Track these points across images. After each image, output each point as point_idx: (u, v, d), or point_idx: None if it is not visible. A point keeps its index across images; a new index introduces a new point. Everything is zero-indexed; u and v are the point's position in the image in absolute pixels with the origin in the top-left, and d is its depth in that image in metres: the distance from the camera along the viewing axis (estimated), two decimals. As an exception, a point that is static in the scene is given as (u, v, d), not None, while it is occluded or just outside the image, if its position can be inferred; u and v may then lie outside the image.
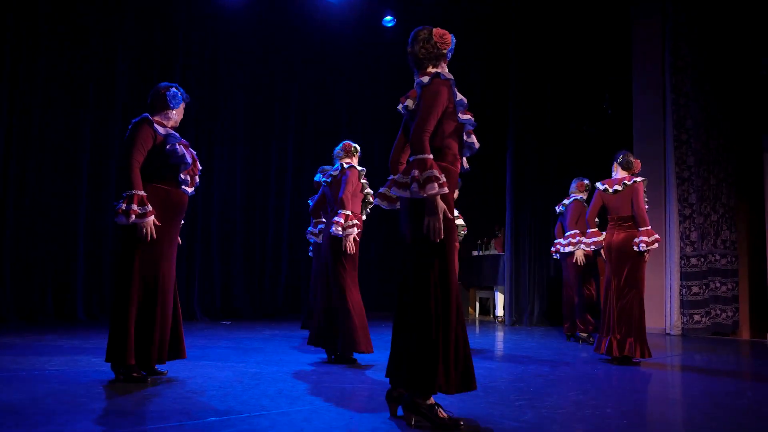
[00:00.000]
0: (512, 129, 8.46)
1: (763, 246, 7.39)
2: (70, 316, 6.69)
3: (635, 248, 4.57)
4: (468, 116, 2.73)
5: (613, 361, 4.64)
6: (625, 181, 4.71)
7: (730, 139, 7.99)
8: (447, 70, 2.78)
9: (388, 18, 8.67)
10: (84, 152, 6.95)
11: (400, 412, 2.70)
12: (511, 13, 8.50)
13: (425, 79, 2.69)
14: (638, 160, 4.88)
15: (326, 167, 5.31)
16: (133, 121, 3.44)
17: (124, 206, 3.25)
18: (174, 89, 3.55)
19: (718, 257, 7.71)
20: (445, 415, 2.53)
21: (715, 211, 7.78)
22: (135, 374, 3.29)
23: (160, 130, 3.42)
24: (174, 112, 3.55)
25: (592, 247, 5.22)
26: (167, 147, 3.40)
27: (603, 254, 4.93)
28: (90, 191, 6.99)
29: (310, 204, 5.46)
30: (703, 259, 7.58)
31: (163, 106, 3.51)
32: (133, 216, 3.24)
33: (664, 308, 7.58)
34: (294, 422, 2.58)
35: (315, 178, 5.67)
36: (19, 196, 6.53)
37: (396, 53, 9.18)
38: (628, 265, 4.63)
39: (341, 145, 4.64)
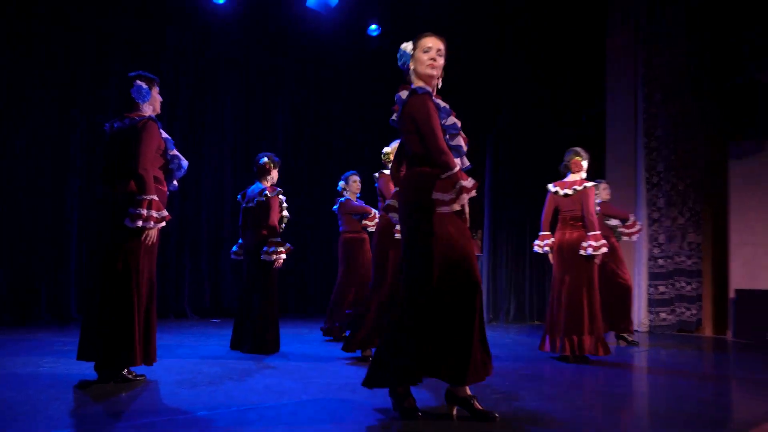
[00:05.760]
0: (491, 136, 8.53)
1: (725, 248, 7.53)
2: (63, 314, 6.61)
3: (583, 252, 4.48)
4: (452, 121, 2.71)
5: (570, 360, 4.48)
6: (576, 186, 4.63)
7: (698, 146, 8.11)
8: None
9: (373, 27, 8.73)
10: (77, 152, 6.87)
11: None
12: (491, 24, 8.57)
13: (403, 94, 2.70)
14: (576, 159, 4.73)
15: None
16: (137, 120, 3.24)
17: (145, 212, 3.09)
18: (138, 83, 3.33)
19: (684, 258, 7.84)
20: (412, 404, 2.60)
21: (682, 215, 7.91)
22: (131, 375, 3.24)
23: (163, 133, 3.34)
24: (147, 104, 3.38)
25: (546, 249, 4.78)
26: (170, 153, 3.35)
27: (551, 254, 4.73)
28: (82, 190, 6.91)
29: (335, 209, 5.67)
30: (669, 260, 7.71)
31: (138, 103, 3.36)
32: (152, 222, 3.13)
33: (632, 306, 7.68)
34: (281, 416, 2.60)
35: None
36: (10, 193, 6.43)
37: (381, 59, 9.22)
38: (581, 263, 4.51)
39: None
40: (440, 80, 2.80)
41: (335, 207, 5.72)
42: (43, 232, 6.63)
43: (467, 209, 2.68)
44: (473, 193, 2.56)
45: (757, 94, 6.99)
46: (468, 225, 2.70)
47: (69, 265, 6.74)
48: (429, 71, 2.69)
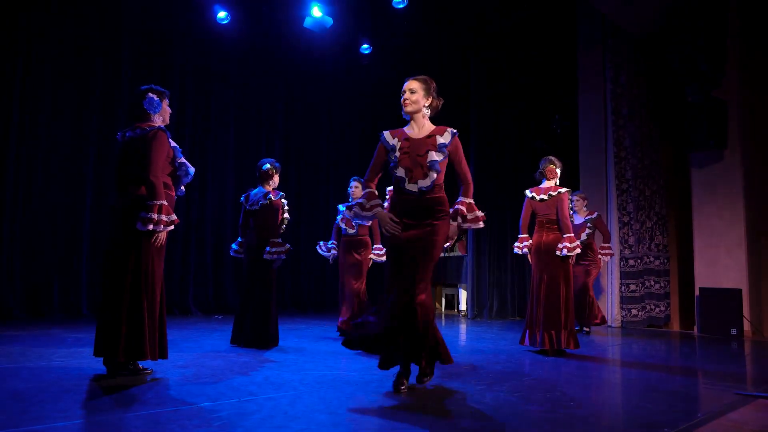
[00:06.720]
0: (473, 146, 8.53)
1: (690, 249, 7.56)
2: (74, 311, 6.52)
3: (558, 253, 4.47)
4: (395, 155, 2.98)
5: (549, 353, 4.49)
6: (551, 192, 4.61)
7: (663, 156, 8.17)
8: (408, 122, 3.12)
9: (365, 45, 8.73)
10: (89, 155, 6.78)
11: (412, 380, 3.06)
12: (472, 44, 8.59)
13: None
14: (551, 167, 4.71)
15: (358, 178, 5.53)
16: (148, 130, 3.19)
17: (155, 216, 3.06)
18: (150, 96, 3.29)
19: (652, 259, 7.87)
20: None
21: (649, 219, 7.94)
22: (139, 368, 3.19)
23: (172, 142, 3.30)
24: (157, 115, 3.33)
25: (525, 251, 4.76)
26: (178, 161, 3.30)
27: (529, 255, 4.71)
28: (95, 195, 6.83)
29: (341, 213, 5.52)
30: (639, 261, 7.73)
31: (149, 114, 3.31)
32: (162, 225, 3.08)
33: (606, 303, 7.71)
34: (279, 406, 2.56)
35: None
36: (27, 195, 6.34)
37: (371, 75, 9.22)
38: (557, 263, 4.51)
39: None
40: (425, 107, 3.04)
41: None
42: (58, 234, 6.54)
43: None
44: (369, 213, 3.01)
45: (711, 110, 7.05)
46: (410, 234, 2.95)
47: (81, 266, 6.66)
48: (404, 111, 3.04)
